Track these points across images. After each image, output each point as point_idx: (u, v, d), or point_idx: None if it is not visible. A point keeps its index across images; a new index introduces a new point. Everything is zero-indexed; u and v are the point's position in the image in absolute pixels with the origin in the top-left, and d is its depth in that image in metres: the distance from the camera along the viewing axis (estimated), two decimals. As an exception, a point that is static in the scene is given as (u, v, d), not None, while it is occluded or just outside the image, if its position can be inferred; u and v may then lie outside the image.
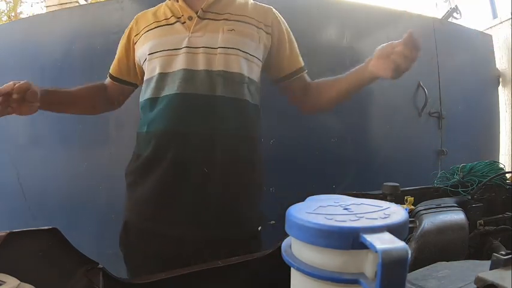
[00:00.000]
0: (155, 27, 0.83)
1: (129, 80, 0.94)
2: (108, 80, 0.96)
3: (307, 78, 0.92)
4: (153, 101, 0.80)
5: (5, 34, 1.82)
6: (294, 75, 0.89)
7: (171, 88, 0.77)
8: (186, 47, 0.78)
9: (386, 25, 1.81)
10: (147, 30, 0.84)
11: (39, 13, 2.12)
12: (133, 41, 0.89)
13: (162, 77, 0.79)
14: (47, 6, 2.60)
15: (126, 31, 0.92)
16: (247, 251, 0.59)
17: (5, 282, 0.31)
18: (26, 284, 0.32)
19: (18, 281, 0.32)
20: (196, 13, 0.81)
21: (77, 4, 2.41)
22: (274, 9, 0.89)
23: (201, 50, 0.78)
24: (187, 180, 0.76)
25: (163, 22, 0.83)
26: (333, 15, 1.73)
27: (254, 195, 0.85)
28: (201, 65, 0.77)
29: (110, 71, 0.95)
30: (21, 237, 0.37)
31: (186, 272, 0.49)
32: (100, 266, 0.44)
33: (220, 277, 0.52)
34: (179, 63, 0.77)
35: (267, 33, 0.85)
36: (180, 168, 0.76)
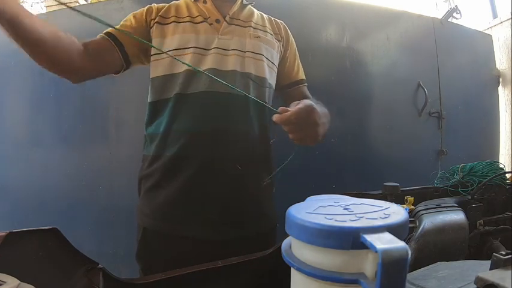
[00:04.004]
0: (181, 22, 0.81)
1: (127, 50, 0.81)
2: (97, 37, 0.82)
3: (307, 92, 0.95)
4: (181, 96, 0.77)
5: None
6: (295, 84, 0.94)
7: (200, 86, 0.76)
8: (216, 47, 0.79)
9: (386, 25, 1.81)
10: (166, 23, 0.81)
11: (39, 13, 2.11)
12: (150, 24, 0.83)
13: (190, 75, 0.77)
14: (47, 6, 2.60)
15: (141, 11, 0.84)
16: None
17: (5, 282, 0.31)
18: (26, 284, 0.32)
19: (18, 281, 0.32)
20: (224, 17, 0.83)
21: (77, 4, 2.41)
22: (285, 24, 0.95)
23: (232, 52, 0.80)
24: (221, 179, 0.75)
25: (187, 19, 0.82)
26: (332, 15, 1.73)
27: (273, 192, 0.89)
28: (230, 66, 0.78)
29: (109, 30, 0.82)
30: (21, 237, 0.37)
31: (186, 272, 0.49)
32: (100, 266, 0.44)
33: (220, 277, 0.52)
34: (208, 62, 0.78)
35: (281, 44, 0.91)
36: (213, 166, 0.75)
